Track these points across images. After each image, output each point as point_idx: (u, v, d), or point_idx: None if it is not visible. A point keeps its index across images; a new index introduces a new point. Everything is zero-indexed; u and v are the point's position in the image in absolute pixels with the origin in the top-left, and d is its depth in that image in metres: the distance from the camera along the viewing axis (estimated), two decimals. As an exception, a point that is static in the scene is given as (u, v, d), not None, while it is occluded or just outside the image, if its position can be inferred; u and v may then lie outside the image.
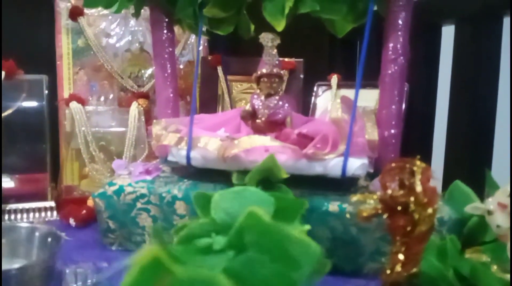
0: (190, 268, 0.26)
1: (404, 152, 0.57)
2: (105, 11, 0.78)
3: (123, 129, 0.74)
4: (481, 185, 0.49)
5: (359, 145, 0.48)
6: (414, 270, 0.33)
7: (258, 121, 0.60)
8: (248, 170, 0.47)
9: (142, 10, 0.64)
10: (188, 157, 0.52)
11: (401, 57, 0.53)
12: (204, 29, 0.64)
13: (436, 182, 0.35)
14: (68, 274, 0.48)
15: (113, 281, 0.45)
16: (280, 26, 0.51)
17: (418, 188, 0.31)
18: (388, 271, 0.34)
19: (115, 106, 0.78)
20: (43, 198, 0.68)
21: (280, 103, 0.60)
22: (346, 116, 0.53)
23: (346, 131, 0.48)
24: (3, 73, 0.68)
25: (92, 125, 0.73)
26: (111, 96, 0.79)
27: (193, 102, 0.57)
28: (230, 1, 0.55)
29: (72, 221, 0.63)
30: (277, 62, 0.59)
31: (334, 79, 0.83)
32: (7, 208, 0.64)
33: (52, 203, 0.68)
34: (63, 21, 0.77)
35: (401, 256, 0.33)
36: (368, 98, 0.74)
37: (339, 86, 0.82)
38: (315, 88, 0.85)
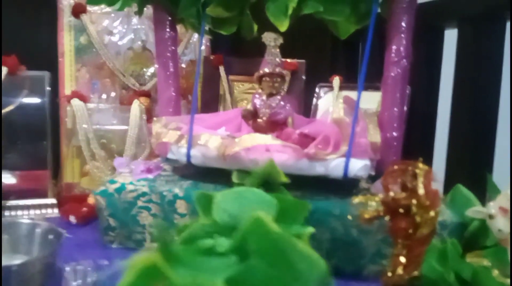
0: (188, 275, 0.26)
1: (405, 155, 0.56)
2: (108, 9, 0.78)
3: (124, 127, 0.73)
4: (483, 188, 0.49)
5: (361, 146, 0.48)
6: (416, 272, 0.33)
7: (259, 120, 0.60)
8: (249, 169, 0.47)
9: (145, 8, 0.64)
10: (188, 155, 0.52)
11: (404, 60, 0.53)
12: (206, 28, 0.64)
13: (438, 184, 0.35)
14: (68, 271, 0.48)
15: (113, 279, 0.45)
16: (283, 26, 0.51)
17: (421, 190, 0.31)
18: (390, 274, 0.34)
19: (116, 104, 0.78)
20: (44, 195, 0.68)
21: (282, 103, 0.60)
22: (348, 116, 0.52)
23: (348, 131, 0.48)
24: (5, 69, 0.68)
25: (94, 122, 0.72)
26: (112, 94, 0.79)
27: (193, 101, 0.57)
28: (234, 1, 0.55)
29: (72, 219, 0.63)
30: (279, 61, 0.59)
31: (336, 80, 0.83)
32: (8, 204, 0.64)
33: (53, 200, 0.67)
34: (65, 18, 0.77)
35: (402, 259, 0.33)
36: (370, 100, 0.74)
37: (340, 88, 0.82)
38: (316, 90, 0.85)
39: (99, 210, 0.54)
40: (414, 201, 0.32)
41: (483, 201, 0.47)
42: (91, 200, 0.65)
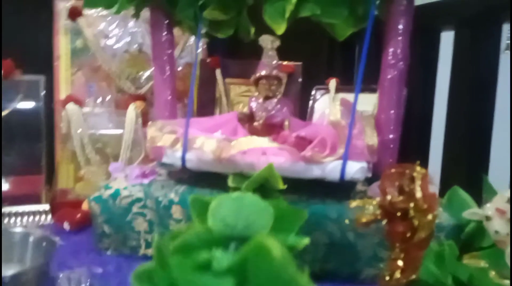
0: None
1: (401, 157, 0.56)
2: (104, 12, 0.78)
3: (120, 131, 0.73)
4: (479, 190, 0.49)
5: (358, 148, 0.48)
6: (413, 276, 0.33)
7: (255, 123, 0.60)
8: (245, 172, 0.47)
9: (142, 11, 0.64)
10: (183, 159, 0.52)
11: (401, 62, 0.53)
12: (203, 31, 0.64)
13: (434, 187, 0.35)
14: (62, 279, 0.47)
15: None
16: (280, 29, 0.51)
17: (418, 194, 0.31)
18: (387, 277, 0.33)
19: (112, 108, 0.77)
20: (37, 200, 0.67)
21: (278, 106, 0.59)
22: (345, 119, 0.52)
23: (345, 134, 0.47)
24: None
25: (89, 127, 0.72)
26: (108, 97, 0.79)
27: (189, 104, 0.57)
28: (231, 3, 0.55)
29: (66, 225, 0.62)
30: (276, 64, 0.59)
31: (333, 83, 0.83)
32: (0, 211, 0.63)
33: (46, 206, 0.67)
34: (61, 22, 0.76)
35: (400, 263, 0.33)
36: (366, 102, 0.74)
37: (337, 90, 0.82)
38: (313, 92, 0.85)
39: (93, 216, 0.53)
40: (411, 205, 0.31)
41: (479, 202, 0.47)
42: (85, 205, 0.65)
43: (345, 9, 0.52)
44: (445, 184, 0.54)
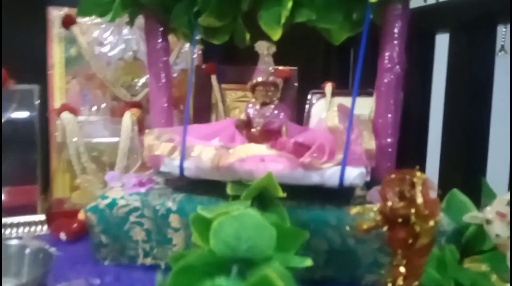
0: None
1: (398, 161, 0.56)
2: (98, 20, 0.77)
3: (115, 139, 0.72)
4: (477, 192, 0.49)
5: (356, 154, 0.48)
6: (416, 283, 0.33)
7: (253, 130, 0.60)
8: (243, 180, 0.46)
9: (136, 19, 0.64)
10: (181, 168, 0.51)
11: (397, 66, 0.53)
12: (198, 37, 0.64)
13: (433, 191, 0.35)
14: (59, 291, 0.46)
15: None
16: (276, 35, 0.51)
17: (419, 200, 0.31)
18: (390, 285, 0.33)
19: (107, 116, 0.77)
20: (33, 211, 0.66)
21: (276, 112, 0.59)
22: (342, 124, 0.52)
23: (343, 139, 0.47)
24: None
25: (84, 135, 0.71)
26: (103, 105, 0.78)
27: (186, 111, 0.56)
28: (226, 10, 0.55)
29: (62, 235, 0.61)
30: (272, 70, 0.59)
31: (329, 87, 0.83)
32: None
33: (41, 217, 0.66)
34: (55, 30, 0.76)
35: (402, 269, 0.32)
36: (362, 106, 0.73)
37: (333, 94, 0.82)
38: (309, 96, 0.85)
39: (90, 227, 0.53)
40: (412, 211, 0.31)
41: (478, 205, 0.47)
42: (81, 215, 0.64)
43: (340, 14, 0.52)
44: (443, 187, 0.54)
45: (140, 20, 0.65)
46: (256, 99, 0.60)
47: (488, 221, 0.39)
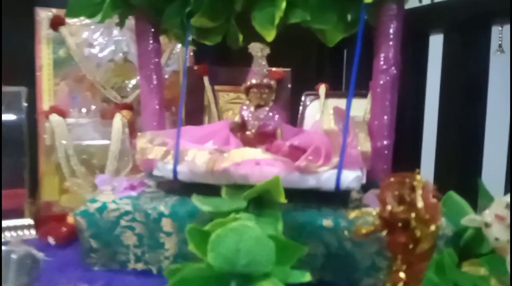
0: None
1: (393, 162, 0.56)
2: (88, 21, 0.76)
3: (106, 141, 0.71)
4: (473, 194, 0.48)
5: (352, 156, 0.47)
6: (416, 289, 0.32)
7: (247, 133, 0.59)
8: (238, 184, 0.45)
9: (127, 20, 0.62)
10: (175, 172, 0.50)
11: (393, 67, 0.53)
12: (190, 38, 0.63)
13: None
14: (48, 299, 0.45)
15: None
16: (270, 36, 0.50)
17: (420, 204, 0.30)
18: (390, 291, 0.32)
19: (97, 118, 0.75)
20: (20, 215, 0.64)
21: (270, 114, 0.59)
22: (338, 126, 0.51)
23: (339, 142, 0.47)
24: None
25: (74, 138, 0.70)
26: (93, 107, 0.77)
27: (179, 114, 0.55)
28: (219, 10, 0.54)
29: (51, 240, 0.59)
30: (267, 72, 0.58)
31: (322, 88, 0.82)
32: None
33: (29, 221, 0.64)
34: (43, 31, 0.74)
35: (402, 275, 0.32)
36: (357, 107, 0.73)
37: (327, 96, 0.82)
38: (303, 98, 0.85)
39: (80, 231, 0.51)
40: (413, 215, 0.30)
41: (474, 207, 0.47)
42: (71, 219, 0.62)
43: (334, 14, 0.52)
44: (439, 189, 0.54)
45: (130, 21, 0.64)
46: (250, 101, 0.59)
47: (487, 224, 0.39)
